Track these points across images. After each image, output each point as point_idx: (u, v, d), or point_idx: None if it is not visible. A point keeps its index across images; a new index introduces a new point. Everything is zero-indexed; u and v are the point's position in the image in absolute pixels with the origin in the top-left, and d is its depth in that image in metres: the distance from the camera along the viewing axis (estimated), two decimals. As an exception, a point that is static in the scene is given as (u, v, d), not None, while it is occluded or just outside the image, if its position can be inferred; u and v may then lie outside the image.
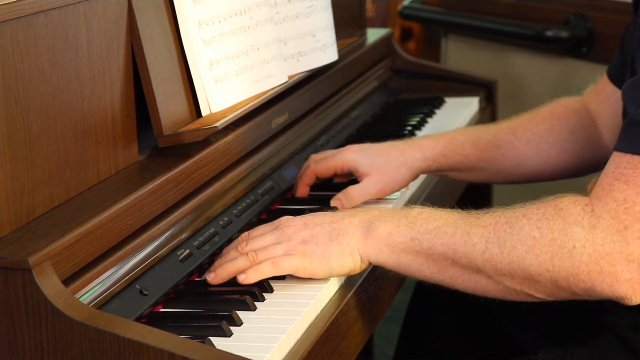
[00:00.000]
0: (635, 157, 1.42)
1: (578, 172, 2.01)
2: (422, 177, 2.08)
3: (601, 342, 1.68)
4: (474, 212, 1.54)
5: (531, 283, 1.46)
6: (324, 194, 1.92)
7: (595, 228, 1.41)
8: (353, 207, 1.83)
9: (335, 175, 1.93)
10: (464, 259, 1.49)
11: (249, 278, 1.53)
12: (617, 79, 1.87)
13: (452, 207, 1.59)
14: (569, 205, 1.44)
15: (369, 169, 1.88)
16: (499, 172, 2.00)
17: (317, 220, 1.59)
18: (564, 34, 2.96)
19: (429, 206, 1.59)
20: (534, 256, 1.44)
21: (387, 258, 1.56)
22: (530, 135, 1.97)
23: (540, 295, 1.47)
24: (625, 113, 1.51)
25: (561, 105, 2.01)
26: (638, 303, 1.43)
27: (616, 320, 1.67)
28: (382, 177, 1.88)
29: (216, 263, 1.60)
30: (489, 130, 2.00)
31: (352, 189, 1.85)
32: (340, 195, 1.84)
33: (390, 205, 1.90)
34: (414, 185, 2.04)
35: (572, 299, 1.47)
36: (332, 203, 1.84)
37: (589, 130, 1.96)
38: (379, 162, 1.89)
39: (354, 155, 1.90)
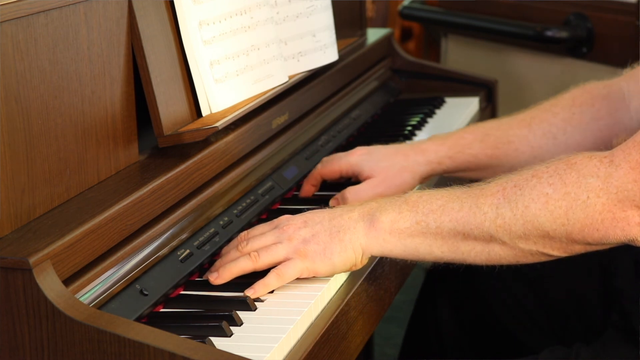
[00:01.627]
0: None
1: None
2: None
3: (607, 341, 1.68)
4: (474, 184, 1.53)
5: (546, 240, 1.46)
6: (326, 194, 1.92)
7: (610, 177, 1.41)
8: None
9: (341, 177, 1.93)
10: (476, 230, 1.49)
11: (257, 293, 1.53)
12: None
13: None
14: (584, 159, 1.44)
15: (371, 173, 1.88)
16: (515, 167, 1.96)
17: (316, 218, 1.59)
18: (564, 34, 2.96)
19: (425, 189, 1.58)
20: (549, 212, 1.44)
21: (393, 247, 1.55)
22: (546, 127, 1.94)
23: (555, 252, 1.48)
24: None
25: (586, 91, 1.96)
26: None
27: (620, 319, 1.67)
28: (382, 181, 1.88)
29: (217, 263, 1.60)
30: (499, 126, 1.96)
31: (349, 189, 1.85)
32: (338, 195, 1.85)
33: None
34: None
35: (585, 251, 1.48)
36: (331, 203, 1.84)
37: (615, 117, 1.92)
38: (381, 165, 1.89)
39: (359, 159, 1.90)
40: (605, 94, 1.94)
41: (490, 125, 1.98)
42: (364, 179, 1.88)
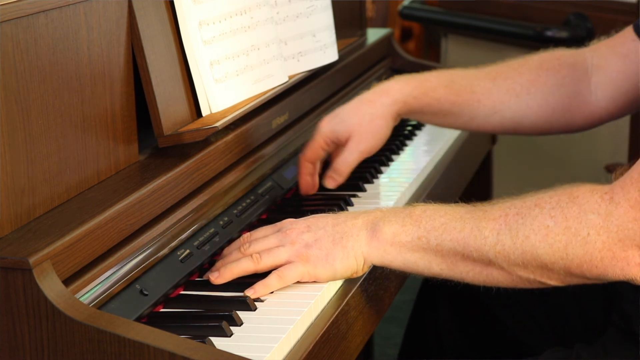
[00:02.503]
0: None
1: (558, 129, 1.98)
2: (422, 177, 2.08)
3: (607, 341, 1.68)
4: (479, 205, 1.53)
5: (544, 271, 1.46)
6: (330, 193, 1.91)
7: (611, 215, 1.41)
8: (354, 210, 1.82)
9: (327, 152, 1.92)
10: (475, 253, 1.49)
11: (257, 293, 1.53)
12: None
13: (455, 203, 1.58)
14: (586, 194, 1.43)
15: (347, 133, 1.87)
16: (475, 118, 1.96)
17: (320, 223, 1.59)
18: (564, 34, 2.96)
19: (431, 203, 1.58)
20: (548, 245, 1.43)
21: (393, 258, 1.55)
22: (511, 84, 1.93)
23: (552, 282, 1.48)
24: None
25: (554, 56, 1.96)
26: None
27: (620, 319, 1.67)
28: (360, 136, 1.86)
29: (218, 263, 1.60)
30: (465, 75, 1.95)
31: (337, 162, 1.85)
32: (330, 173, 1.84)
33: (391, 204, 1.90)
34: (415, 185, 2.04)
35: (583, 283, 1.48)
36: (326, 184, 1.84)
37: (579, 87, 1.92)
38: (352, 121, 1.88)
39: (329, 126, 1.89)
40: (572, 62, 1.94)
41: (456, 73, 1.97)
42: (344, 143, 1.87)
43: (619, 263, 1.41)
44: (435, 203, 1.58)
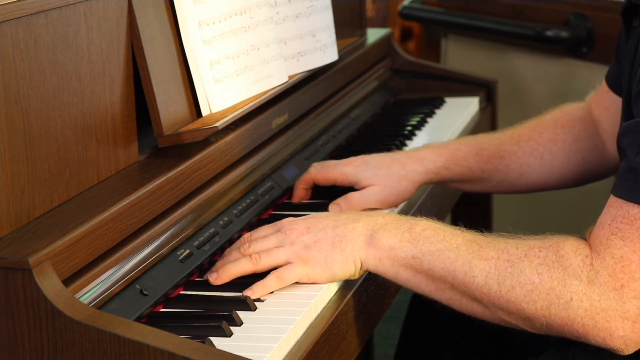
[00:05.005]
0: (632, 207, 1.42)
1: (583, 181, 2.01)
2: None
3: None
4: (478, 236, 1.54)
5: (526, 322, 1.49)
6: (322, 202, 1.91)
7: (593, 284, 1.42)
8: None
9: (333, 185, 1.93)
10: (463, 287, 1.52)
11: (255, 294, 1.53)
12: (616, 87, 1.85)
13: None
14: (570, 254, 1.45)
15: (370, 181, 1.88)
16: (503, 182, 2.00)
17: (320, 225, 1.59)
18: (564, 34, 2.96)
19: (433, 219, 1.59)
20: (532, 301, 1.46)
21: (387, 270, 1.57)
22: (534, 145, 1.97)
23: (534, 331, 1.50)
24: (621, 154, 1.50)
25: (565, 112, 2.00)
26: (630, 354, 1.45)
27: None
28: (383, 189, 1.88)
29: (218, 263, 1.60)
30: (491, 141, 1.99)
31: (352, 195, 1.85)
32: (339, 200, 1.84)
33: (395, 210, 1.89)
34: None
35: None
36: (331, 208, 1.83)
37: (593, 139, 1.96)
38: (380, 174, 1.89)
39: (355, 170, 1.89)
40: (581, 116, 1.98)
41: (483, 139, 2.00)
42: (361, 188, 1.88)
43: (600, 333, 1.42)
44: (437, 222, 1.59)
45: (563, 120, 1.98)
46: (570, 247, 1.46)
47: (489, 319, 1.54)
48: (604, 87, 1.92)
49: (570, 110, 2.00)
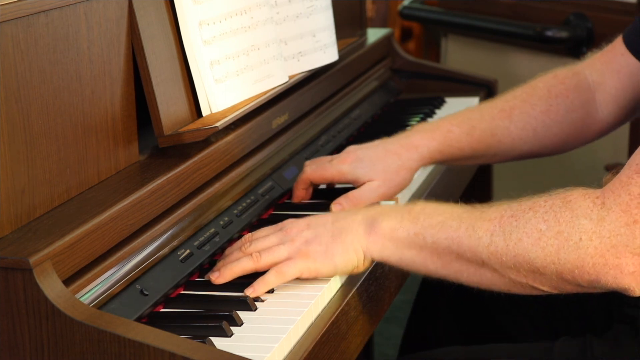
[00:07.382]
0: None
1: (573, 147, 2.01)
2: (423, 176, 2.08)
3: (618, 332, 1.68)
4: (478, 206, 1.54)
5: (536, 276, 1.46)
6: (323, 201, 1.91)
7: (603, 220, 1.40)
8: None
9: (330, 183, 1.93)
10: (469, 253, 1.49)
11: (256, 291, 1.53)
12: (635, 48, 1.83)
13: (455, 202, 1.59)
14: (578, 198, 1.43)
15: (368, 177, 1.88)
16: (496, 155, 2.00)
17: (320, 221, 1.60)
18: (564, 34, 2.96)
19: (431, 202, 1.59)
20: (540, 249, 1.43)
21: (391, 254, 1.56)
22: (526, 119, 1.95)
23: (545, 287, 1.47)
24: None
25: (559, 81, 1.97)
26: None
27: (633, 312, 1.67)
28: (382, 182, 1.88)
29: (219, 263, 1.60)
30: (482, 117, 1.97)
31: (353, 193, 1.85)
32: (341, 199, 1.84)
33: (392, 202, 1.90)
34: (415, 184, 2.03)
35: (577, 292, 1.47)
36: (333, 207, 1.83)
37: (587, 108, 1.94)
38: (377, 168, 1.88)
39: (351, 167, 1.89)
40: (575, 84, 1.96)
41: (475, 116, 1.98)
42: (360, 185, 1.88)
43: (611, 271, 1.40)
44: (435, 202, 1.58)
45: (557, 89, 1.97)
46: (578, 193, 1.45)
47: (500, 284, 1.50)
48: (618, 49, 1.89)
49: (564, 77, 1.98)
